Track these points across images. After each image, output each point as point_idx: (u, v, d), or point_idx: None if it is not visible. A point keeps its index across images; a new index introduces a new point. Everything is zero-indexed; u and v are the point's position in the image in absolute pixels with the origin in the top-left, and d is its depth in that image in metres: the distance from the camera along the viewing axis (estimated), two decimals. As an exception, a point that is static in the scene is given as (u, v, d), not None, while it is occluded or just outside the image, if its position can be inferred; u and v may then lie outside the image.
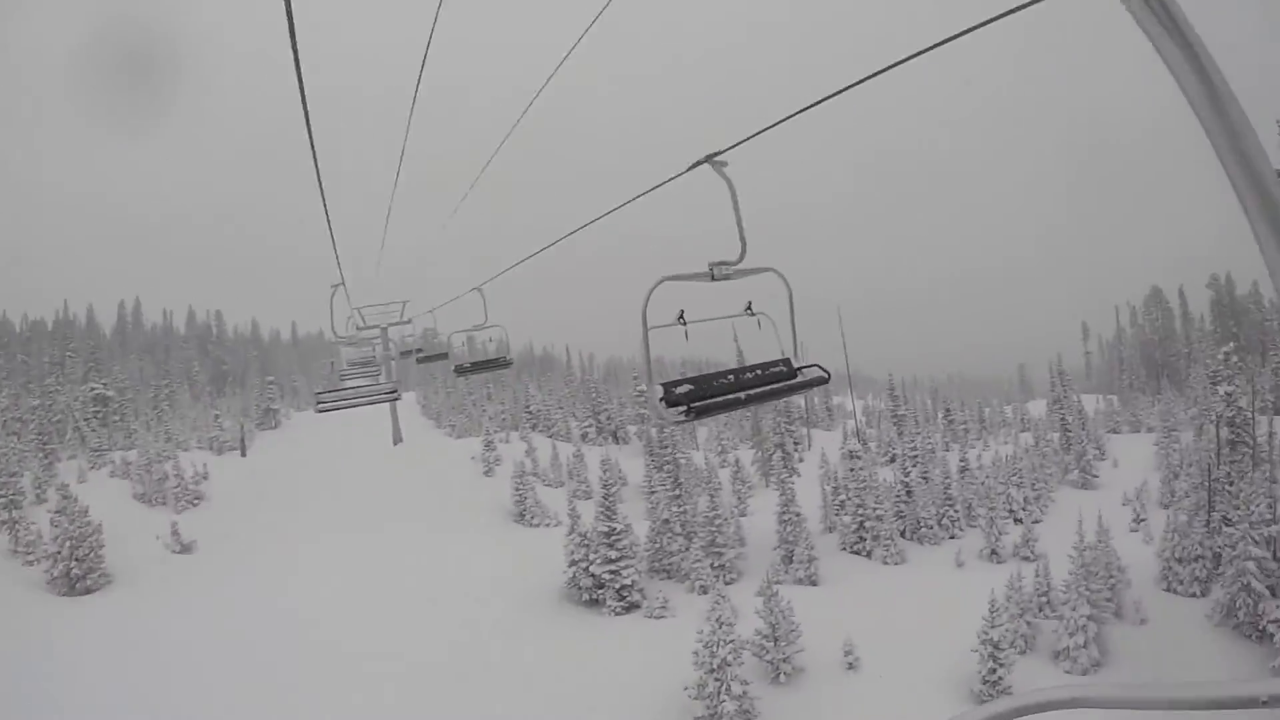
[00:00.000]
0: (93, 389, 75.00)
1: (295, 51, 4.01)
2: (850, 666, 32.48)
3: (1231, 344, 47.17)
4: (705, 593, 39.18)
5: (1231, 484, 37.89)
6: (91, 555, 42.48)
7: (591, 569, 39.78)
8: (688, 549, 42.79)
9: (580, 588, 40.14)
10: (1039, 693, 2.19)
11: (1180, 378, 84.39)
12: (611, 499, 41.09)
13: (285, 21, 3.71)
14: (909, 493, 48.19)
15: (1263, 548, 32.37)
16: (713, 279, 6.11)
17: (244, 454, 70.01)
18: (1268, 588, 31.64)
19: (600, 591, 39.78)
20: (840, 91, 4.30)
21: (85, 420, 69.92)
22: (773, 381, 7.10)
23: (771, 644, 31.90)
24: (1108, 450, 65.82)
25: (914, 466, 49.83)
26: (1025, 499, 50.32)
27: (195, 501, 56.96)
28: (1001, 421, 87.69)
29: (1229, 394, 39.95)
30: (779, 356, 7.29)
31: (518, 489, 55.55)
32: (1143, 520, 47.16)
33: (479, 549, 47.77)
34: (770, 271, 6.72)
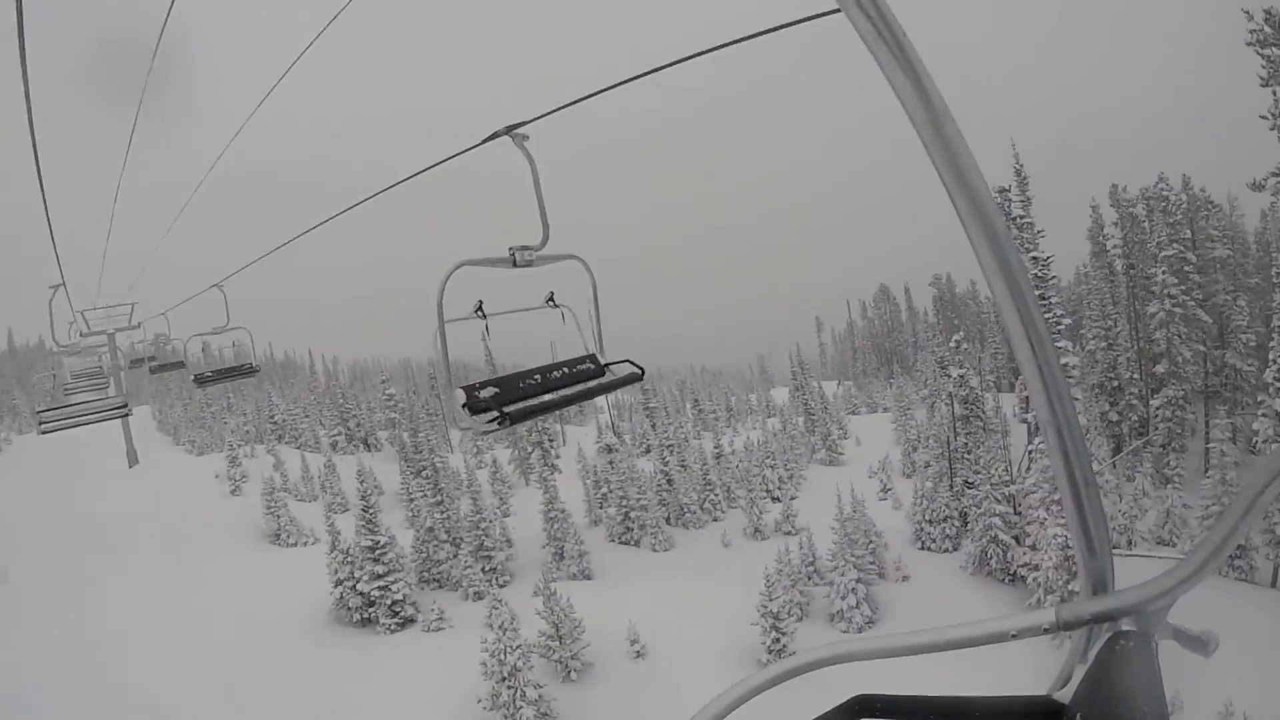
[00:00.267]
0: None
1: (20, 15, 3.86)
2: (638, 655, 32.67)
3: (961, 333, 51.36)
4: (480, 599, 38.53)
5: (969, 452, 41.16)
6: None
7: (359, 586, 37.65)
8: (456, 556, 41.82)
9: (350, 608, 38.01)
10: (809, 652, 2.23)
11: (909, 364, 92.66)
12: (372, 511, 39.09)
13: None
14: (669, 481, 49.04)
15: (1005, 504, 36.36)
16: (514, 265, 5.62)
17: None
18: (1013, 538, 35.92)
19: (371, 609, 37.81)
20: (628, 80, 4.48)
21: None
22: (582, 379, 6.77)
23: (557, 643, 31.59)
24: (849, 430, 69.47)
25: (672, 455, 50.48)
26: (780, 479, 52.29)
27: None
28: (748, 409, 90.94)
29: (962, 375, 43.00)
30: (583, 352, 6.87)
31: (269, 507, 51.84)
32: (889, 489, 50.71)
33: (236, 576, 44.13)
34: (573, 259, 6.29)
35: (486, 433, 5.36)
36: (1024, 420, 42.11)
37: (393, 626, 37.48)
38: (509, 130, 5.47)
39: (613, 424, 69.11)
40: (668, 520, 47.48)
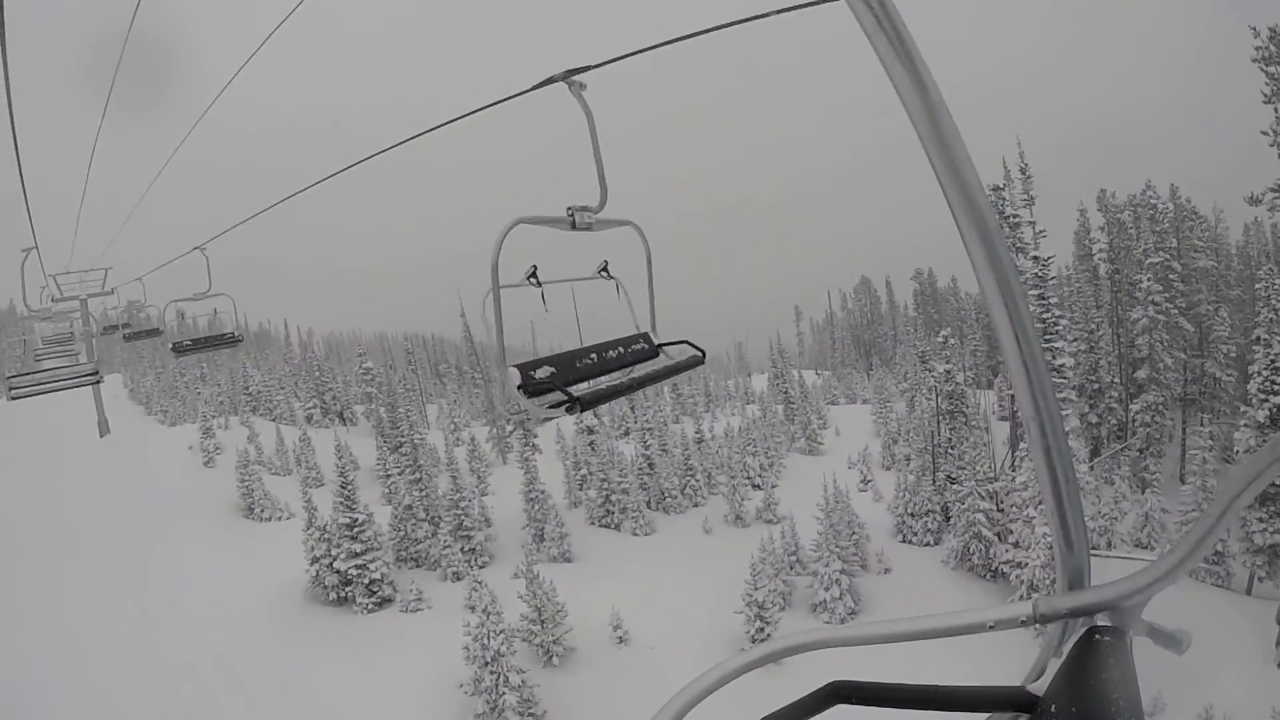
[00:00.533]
0: None
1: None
2: (621, 641, 32.38)
3: (948, 329, 51.75)
4: (459, 580, 38.05)
5: (953, 447, 41.22)
6: None
7: (336, 564, 36.76)
8: (435, 535, 41.14)
9: (326, 586, 37.10)
10: (786, 638, 2.27)
11: (888, 356, 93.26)
12: (350, 488, 38.15)
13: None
14: (650, 465, 48.77)
15: (989, 501, 36.35)
16: (573, 227, 5.15)
17: None
18: (995, 534, 36.08)
19: (348, 588, 37.00)
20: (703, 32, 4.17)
21: None
22: (637, 361, 6.34)
23: (539, 627, 31.14)
24: (829, 420, 69.32)
25: (653, 439, 50.25)
26: (760, 466, 52.09)
27: None
28: (726, 395, 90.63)
29: (948, 371, 43.03)
30: (633, 329, 6.50)
31: (243, 480, 50.87)
32: (870, 481, 50.54)
33: (210, 551, 43.17)
34: (628, 225, 5.81)
35: (548, 419, 4.97)
36: (1004, 418, 42.33)
37: (370, 606, 36.64)
38: (566, 76, 4.95)
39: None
40: (649, 504, 47.22)
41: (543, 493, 43.03)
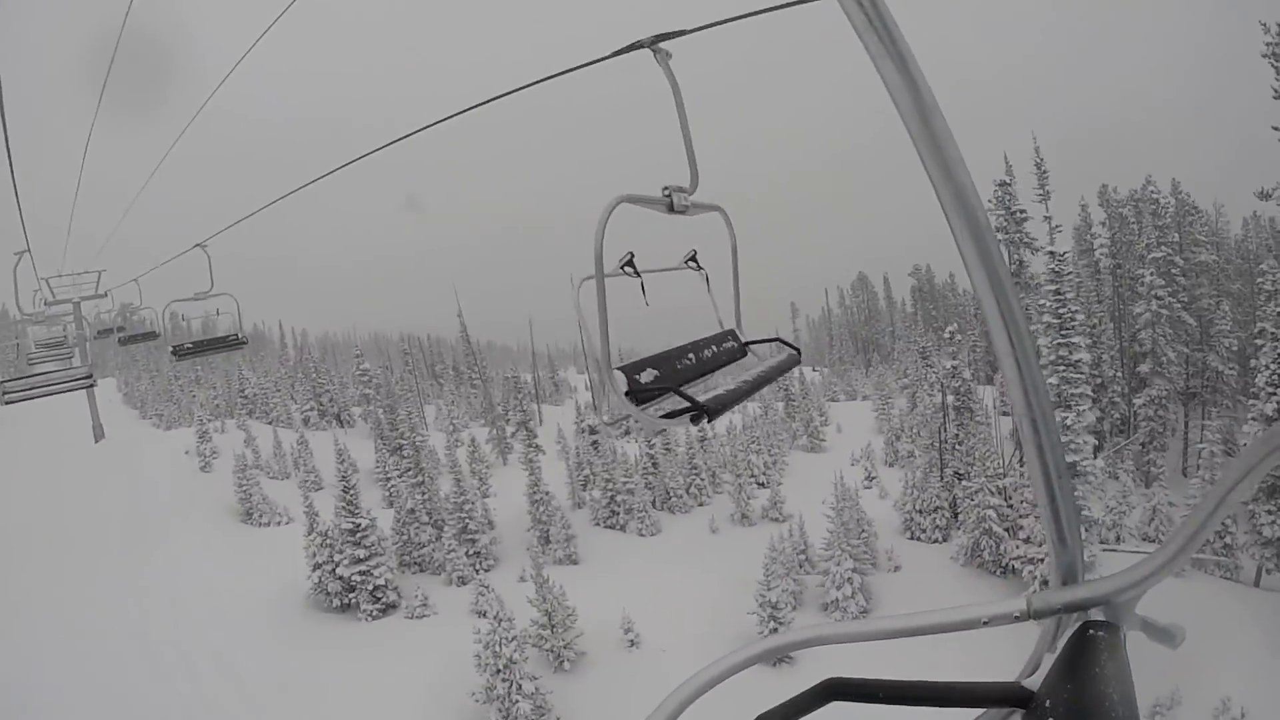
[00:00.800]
0: None
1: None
2: (632, 644, 31.83)
3: (954, 324, 51.61)
4: (465, 584, 37.60)
5: (960, 443, 40.89)
6: None
7: (339, 570, 36.17)
8: (439, 539, 40.61)
9: (329, 593, 36.51)
10: (785, 635, 2.26)
11: (887, 352, 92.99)
12: (352, 492, 37.51)
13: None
14: (654, 464, 48.19)
15: (999, 497, 35.93)
16: (670, 209, 4.67)
17: None
18: (1005, 530, 35.47)
19: (351, 595, 36.40)
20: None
21: None
22: (729, 360, 5.91)
23: (549, 632, 30.59)
24: (830, 417, 68.83)
25: (658, 438, 49.70)
26: (765, 464, 51.65)
27: None
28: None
29: (954, 366, 42.71)
30: (709, 323, 6.09)
31: (241, 484, 50.22)
32: (874, 478, 50.09)
33: (209, 557, 42.46)
34: (716, 211, 5.28)
35: (661, 430, 4.54)
36: (1006, 413, 42.10)
37: (374, 613, 36.05)
38: (654, 42, 4.44)
39: (595, 403, 68.03)
40: (654, 504, 46.62)
41: (547, 494, 42.48)
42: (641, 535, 43.65)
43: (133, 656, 32.31)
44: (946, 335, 48.31)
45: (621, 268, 4.94)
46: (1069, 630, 2.01)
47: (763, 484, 49.66)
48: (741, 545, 39.25)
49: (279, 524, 49.33)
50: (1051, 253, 33.79)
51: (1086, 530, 30.51)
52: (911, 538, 40.72)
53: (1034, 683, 1.93)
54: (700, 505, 47.91)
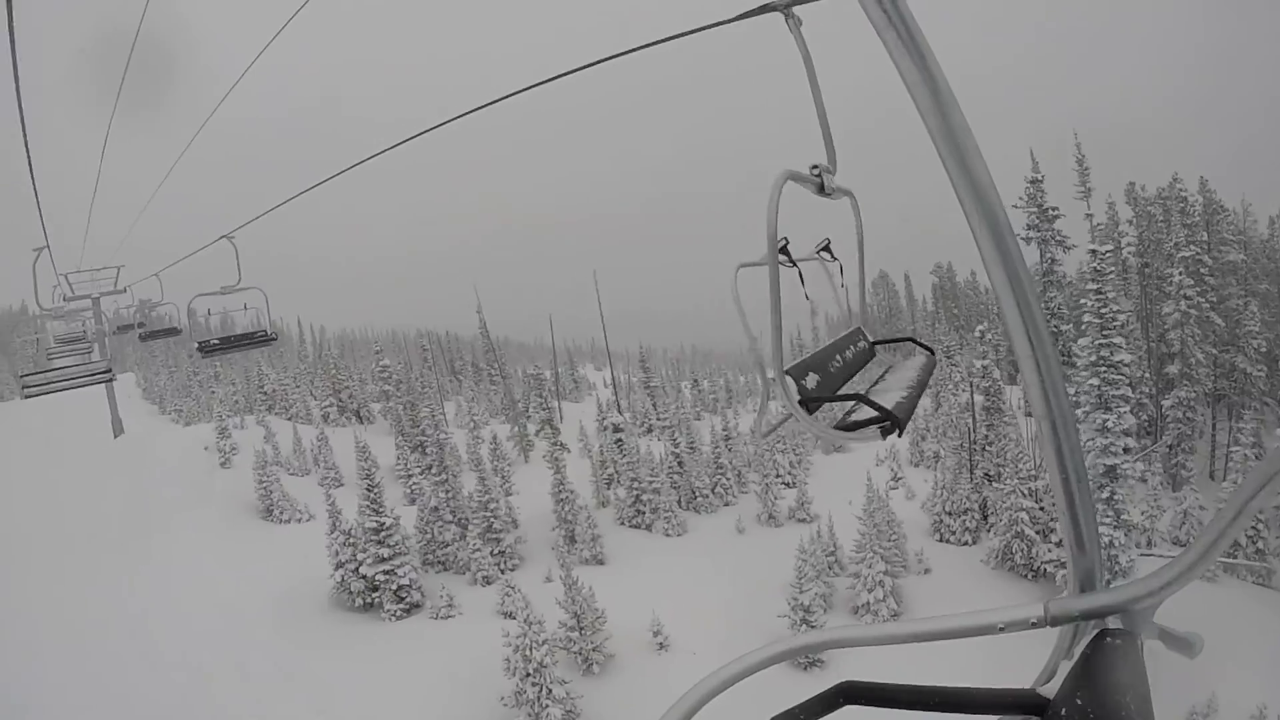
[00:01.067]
0: None
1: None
2: (661, 647, 31.28)
3: (984, 323, 51.21)
4: (489, 584, 37.14)
5: (990, 444, 40.40)
6: None
7: (362, 570, 35.75)
8: (463, 538, 40.15)
9: (351, 592, 36.10)
10: (802, 636, 2.24)
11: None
12: (376, 490, 37.08)
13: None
14: (680, 463, 47.87)
15: (1031, 499, 35.57)
16: (821, 191, 4.23)
17: None
18: (1037, 533, 35.16)
19: (375, 594, 35.92)
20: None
21: None
22: (863, 362, 5.67)
23: (578, 634, 30.08)
24: (850, 416, 68.31)
25: (683, 436, 49.54)
26: (790, 463, 51.23)
27: None
28: (748, 390, 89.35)
29: (985, 366, 42.19)
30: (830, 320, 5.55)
31: (261, 480, 50.02)
32: (900, 478, 49.55)
33: (228, 553, 42.17)
34: (847, 197, 4.83)
35: (839, 444, 4.06)
36: (1028, 413, 41.70)
37: (398, 613, 35.55)
38: (787, 6, 3.92)
39: (618, 402, 67.48)
40: (679, 504, 46.13)
41: (572, 493, 42.06)
42: (668, 535, 43.09)
43: (148, 655, 31.83)
44: (977, 334, 47.93)
45: (818, 251, 4.65)
46: (1086, 637, 2.02)
47: (789, 484, 49.30)
48: (769, 546, 38.80)
49: (299, 521, 49.11)
50: (1094, 250, 33.18)
51: (1125, 535, 30.06)
52: (941, 540, 40.19)
53: (1050, 690, 1.92)
54: (726, 505, 47.40)
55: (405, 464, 48.41)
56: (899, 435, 3.91)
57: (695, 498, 46.64)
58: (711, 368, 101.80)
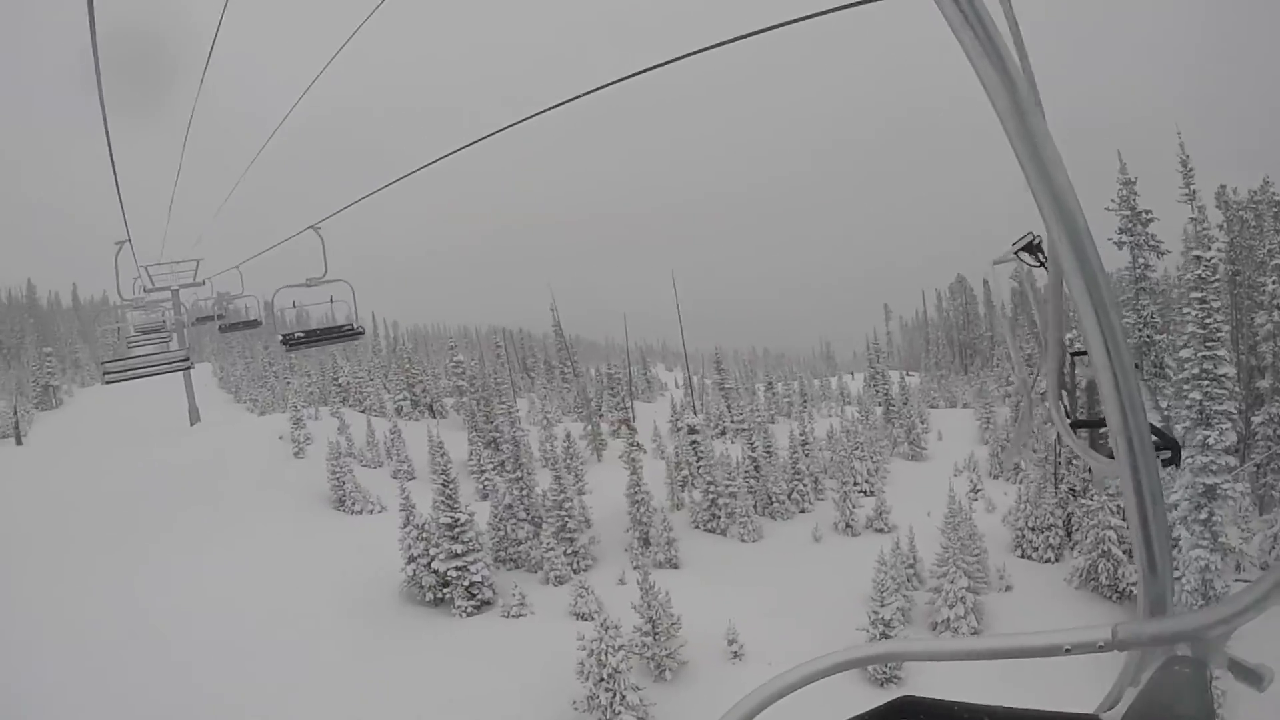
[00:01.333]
0: None
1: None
2: (736, 656, 30.40)
3: (1073, 331, 49.74)
4: (561, 584, 36.70)
5: (1077, 458, 39.07)
6: None
7: (434, 565, 35.45)
8: (536, 536, 39.77)
9: (422, 586, 35.81)
10: (863, 647, 2.27)
11: (987, 358, 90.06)
12: (451, 486, 36.77)
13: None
14: (757, 467, 46.89)
15: (1119, 517, 34.11)
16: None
17: (19, 441, 59.19)
18: (1125, 552, 33.64)
19: (446, 590, 35.59)
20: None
21: None
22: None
23: (652, 639, 29.34)
24: (930, 424, 66.94)
25: (760, 440, 48.60)
26: (868, 471, 50.20)
27: None
28: (821, 395, 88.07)
29: None
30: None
31: (334, 471, 50.31)
32: (979, 490, 48.29)
33: (301, 542, 42.40)
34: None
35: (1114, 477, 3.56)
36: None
37: (469, 609, 35.21)
38: None
39: (693, 403, 66.66)
40: (755, 509, 45.03)
41: (647, 494, 41.43)
42: (743, 541, 42.25)
43: (218, 639, 32.05)
44: (1065, 342, 46.47)
45: (1016, 252, 4.27)
46: (1154, 664, 1.98)
47: (868, 492, 48.03)
48: (847, 556, 38.01)
49: (370, 512, 49.35)
50: (1198, 257, 31.81)
51: (1222, 559, 28.86)
52: (1022, 556, 38.79)
53: (1114, 716, 1.89)
54: (802, 512, 46.36)
55: (478, 460, 48.36)
56: (1176, 467, 3.52)
57: (771, 503, 45.66)
58: (784, 370, 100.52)
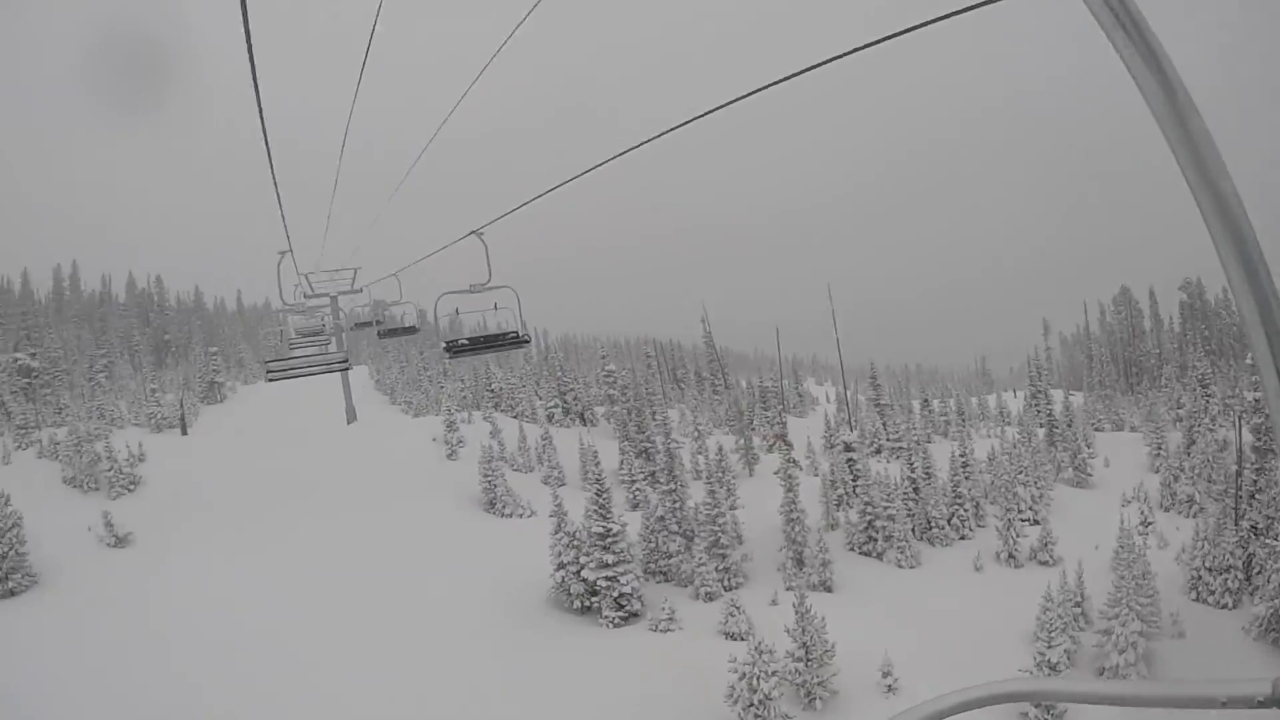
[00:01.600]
0: (16, 359, 68.37)
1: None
2: (890, 690, 28.79)
3: (1249, 354, 46.76)
4: (711, 600, 35.93)
5: (1261, 492, 36.23)
6: (11, 554, 37.14)
7: (584, 574, 35.34)
8: (688, 550, 38.93)
9: (570, 594, 35.72)
10: (1007, 682, 2.25)
11: (1155, 377, 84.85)
12: (605, 496, 36.46)
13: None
14: (915, 489, 44.88)
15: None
16: None
17: (184, 432, 63.39)
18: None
19: (594, 599, 35.37)
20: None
21: (11, 394, 62.96)
22: None
23: (803, 665, 28.02)
24: (1096, 448, 63.29)
25: (919, 460, 46.44)
26: (1032, 498, 47.46)
27: (131, 486, 50.72)
28: (980, 414, 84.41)
29: (1257, 400, 37.74)
30: None
31: (486, 475, 51.24)
32: (1150, 523, 45.04)
33: (453, 542, 43.43)
34: None
35: None
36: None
37: (616, 620, 34.90)
38: None
39: (849, 419, 64.86)
40: (913, 533, 43.04)
41: (802, 512, 40.16)
42: (900, 567, 40.56)
43: (371, 636, 32.90)
44: (1249, 361, 43.31)
45: None
46: None
47: (1032, 520, 45.26)
48: (1009, 588, 36.16)
49: (520, 516, 50.07)
50: None
51: None
52: (1197, 599, 35.62)
53: None
54: (962, 538, 44.16)
55: (629, 469, 48.14)
56: None
57: (930, 528, 43.69)
58: (939, 386, 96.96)
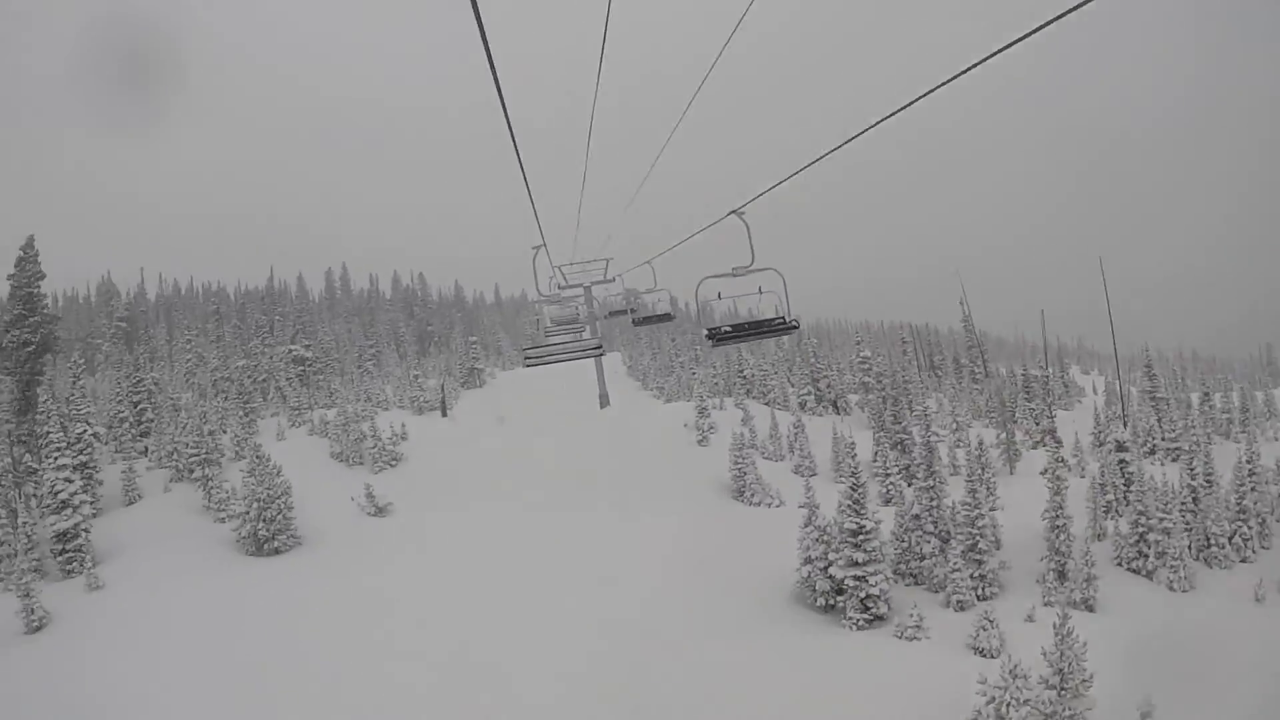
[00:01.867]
0: (291, 350, 78.74)
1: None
2: (1155, 733, 25.28)
3: None
4: (963, 609, 34.05)
5: None
6: (280, 517, 42.24)
7: (831, 570, 34.51)
8: (943, 553, 37.10)
9: (815, 590, 34.99)
10: None
11: None
12: (860, 491, 34.95)
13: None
14: (1195, 499, 39.72)
15: None
16: None
17: (445, 414, 68.86)
18: None
19: (840, 598, 34.47)
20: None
21: (287, 380, 72.79)
22: None
23: (1055, 693, 24.86)
24: None
25: (1200, 464, 40.74)
26: (1334, 519, 41.18)
27: (393, 462, 56.43)
28: (1267, 412, 76.33)
29: None
30: None
31: (736, 462, 51.40)
32: None
33: (702, 529, 44.10)
34: None
35: None
36: None
37: (860, 622, 33.79)
38: None
39: (1123, 414, 60.22)
40: (1190, 550, 38.36)
41: (1069, 519, 36.83)
42: (1172, 589, 36.20)
43: (597, 621, 33.74)
44: None
45: None
46: None
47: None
48: (1293, 629, 31.53)
49: (770, 505, 50.01)
50: None
51: None
52: None
53: None
54: (1243, 561, 38.79)
55: (884, 462, 46.90)
56: None
57: (1209, 545, 38.99)
58: (1218, 379, 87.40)
